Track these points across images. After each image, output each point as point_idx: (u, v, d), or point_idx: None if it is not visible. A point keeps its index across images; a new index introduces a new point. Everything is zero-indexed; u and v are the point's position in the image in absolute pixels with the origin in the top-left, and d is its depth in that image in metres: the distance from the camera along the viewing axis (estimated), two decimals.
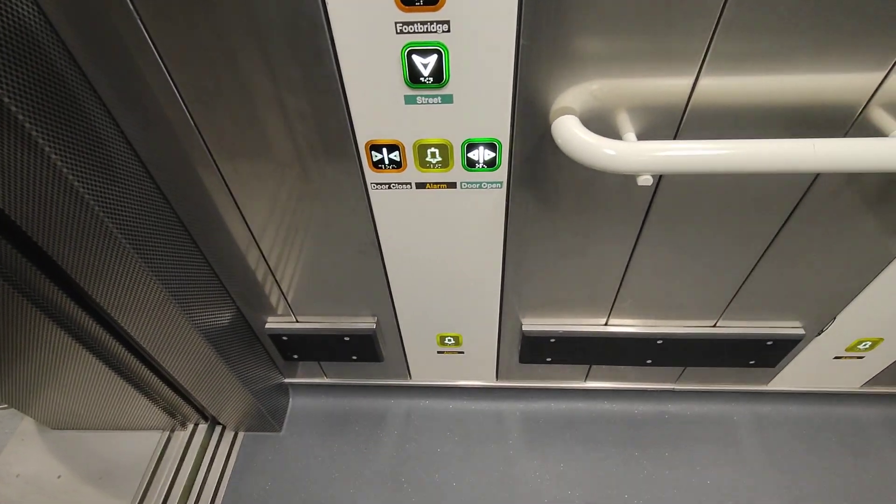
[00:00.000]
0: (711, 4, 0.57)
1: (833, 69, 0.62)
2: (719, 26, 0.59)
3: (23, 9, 0.58)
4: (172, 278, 0.89)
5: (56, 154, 0.64)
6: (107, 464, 1.28)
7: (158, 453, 1.29)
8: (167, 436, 1.32)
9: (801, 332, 1.05)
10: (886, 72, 0.62)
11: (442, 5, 0.57)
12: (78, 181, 0.67)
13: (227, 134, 0.74)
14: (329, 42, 0.61)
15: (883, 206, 0.80)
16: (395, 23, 0.58)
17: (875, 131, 0.68)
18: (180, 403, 1.27)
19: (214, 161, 0.78)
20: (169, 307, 0.91)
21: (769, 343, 1.06)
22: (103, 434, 1.33)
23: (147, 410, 1.25)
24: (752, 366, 1.14)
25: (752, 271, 0.93)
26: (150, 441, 1.31)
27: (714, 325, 1.06)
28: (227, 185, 0.82)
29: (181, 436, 1.32)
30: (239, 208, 0.86)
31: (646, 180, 0.64)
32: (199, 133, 0.74)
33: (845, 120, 0.67)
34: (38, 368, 1.09)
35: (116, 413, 1.26)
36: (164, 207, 0.86)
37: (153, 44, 0.63)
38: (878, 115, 0.67)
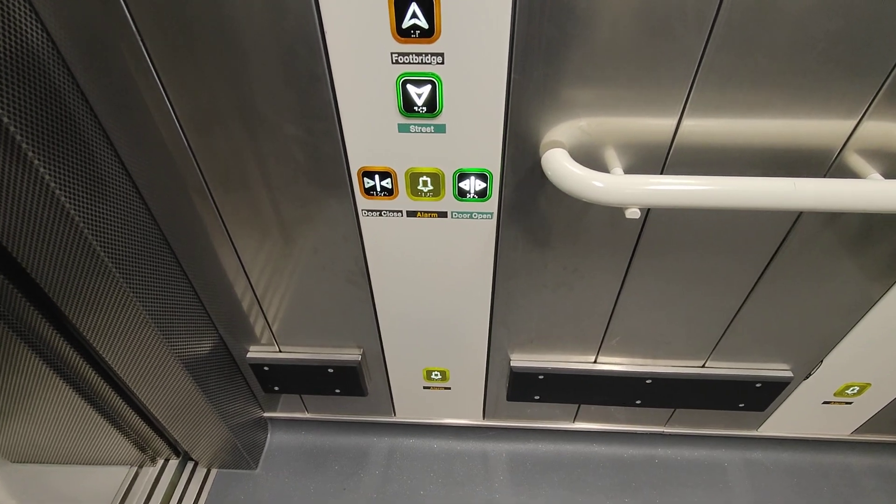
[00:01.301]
0: (692, 50, 0.60)
1: (809, 115, 0.65)
2: (699, 71, 0.61)
3: (28, 27, 0.59)
4: (155, 302, 0.87)
5: (45, 167, 0.63)
6: (66, 502, 1.20)
7: (123, 492, 1.22)
8: (135, 472, 1.25)
9: (790, 374, 1.04)
10: (858, 119, 0.65)
11: (437, 38, 0.59)
12: (65, 196, 0.67)
13: (221, 158, 0.74)
14: (326, 69, 0.63)
15: (862, 250, 0.82)
16: (391, 53, 0.61)
17: (852, 175, 0.71)
18: (152, 437, 1.21)
19: (206, 184, 0.78)
20: (149, 332, 0.88)
21: (758, 385, 1.05)
22: (66, 469, 1.26)
23: (116, 444, 1.19)
24: (741, 409, 1.12)
25: (738, 311, 0.93)
26: (115, 477, 1.24)
27: (703, 366, 1.06)
28: (217, 209, 0.82)
29: (150, 472, 1.26)
30: (228, 232, 0.86)
31: (633, 213, 0.65)
32: (194, 156, 0.74)
33: (823, 163, 0.70)
34: (5, 395, 1.04)
35: (83, 446, 1.19)
36: (153, 230, 0.85)
37: (153, 66, 0.64)
38: (854, 160, 0.70)
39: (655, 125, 0.67)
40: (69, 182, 0.67)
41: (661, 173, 0.72)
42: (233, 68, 0.64)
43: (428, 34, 0.59)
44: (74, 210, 0.69)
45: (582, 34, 0.59)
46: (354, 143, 0.71)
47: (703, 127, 0.67)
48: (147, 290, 0.85)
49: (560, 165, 0.66)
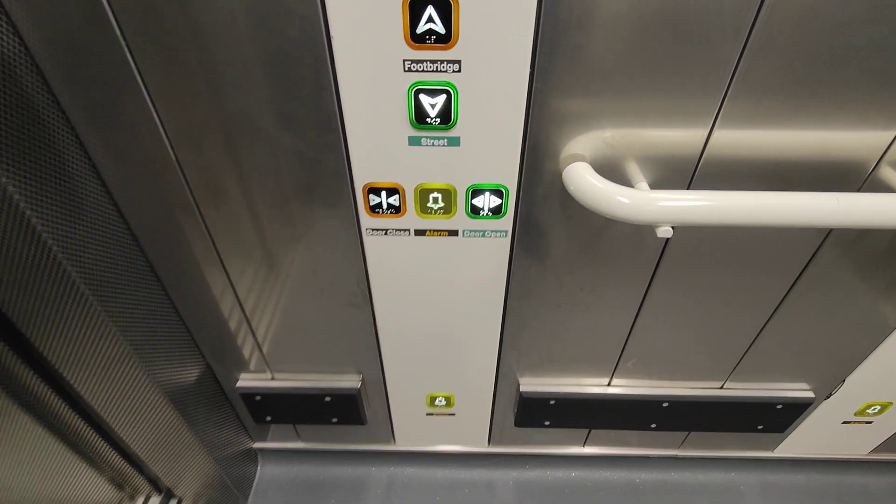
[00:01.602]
0: (727, 58, 0.56)
1: (846, 127, 0.61)
2: (734, 80, 0.57)
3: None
4: (136, 330, 0.80)
5: (14, 185, 0.56)
6: None
7: None
8: None
9: (811, 395, 1.00)
10: None
11: (454, 44, 0.54)
12: (36, 216, 0.60)
13: (212, 173, 0.68)
14: (332, 78, 0.57)
15: (890, 267, 0.78)
16: (404, 60, 0.55)
17: (885, 189, 0.67)
18: (131, 473, 1.12)
19: (195, 202, 0.72)
20: (130, 364, 0.81)
21: (779, 406, 1.00)
22: None
23: (89, 482, 1.09)
24: (760, 430, 1.08)
25: (761, 331, 0.89)
26: None
27: (721, 387, 1.01)
28: (206, 229, 0.75)
29: None
30: (218, 254, 0.79)
31: (666, 231, 0.60)
32: (182, 171, 0.68)
33: (858, 177, 0.66)
34: None
35: (51, 486, 1.09)
36: (134, 252, 0.78)
37: (140, 75, 0.58)
38: (888, 173, 0.66)
39: (684, 137, 0.63)
40: (41, 201, 0.60)
41: (689, 188, 0.68)
42: (229, 77, 0.58)
43: (444, 40, 0.54)
44: (46, 231, 0.62)
45: (611, 41, 0.55)
46: (360, 158, 0.65)
47: (735, 138, 0.63)
48: (127, 316, 0.77)
49: (584, 180, 0.62)
